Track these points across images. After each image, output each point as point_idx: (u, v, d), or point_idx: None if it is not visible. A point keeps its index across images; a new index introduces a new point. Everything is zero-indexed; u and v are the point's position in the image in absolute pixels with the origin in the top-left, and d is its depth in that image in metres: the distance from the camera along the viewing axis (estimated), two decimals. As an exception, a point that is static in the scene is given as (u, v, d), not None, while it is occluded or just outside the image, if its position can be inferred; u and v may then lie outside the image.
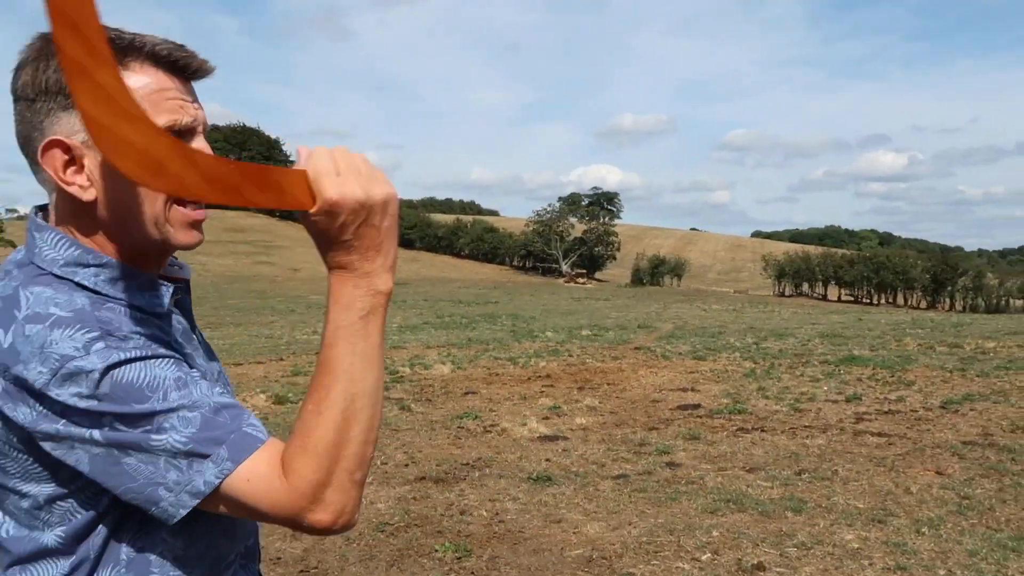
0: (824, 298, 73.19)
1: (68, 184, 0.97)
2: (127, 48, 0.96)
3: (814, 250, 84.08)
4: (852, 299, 73.38)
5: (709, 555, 4.52)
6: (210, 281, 53.07)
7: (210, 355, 1.18)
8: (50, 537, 0.98)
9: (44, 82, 0.95)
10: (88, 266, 0.99)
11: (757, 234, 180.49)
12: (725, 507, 5.35)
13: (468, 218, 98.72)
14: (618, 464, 6.47)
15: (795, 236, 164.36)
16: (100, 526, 0.99)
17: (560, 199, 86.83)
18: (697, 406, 8.96)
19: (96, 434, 0.90)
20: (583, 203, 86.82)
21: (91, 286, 0.98)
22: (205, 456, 0.91)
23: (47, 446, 0.92)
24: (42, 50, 0.95)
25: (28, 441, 0.93)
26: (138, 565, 1.01)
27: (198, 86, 1.05)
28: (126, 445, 0.91)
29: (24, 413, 0.91)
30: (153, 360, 0.93)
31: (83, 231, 1.01)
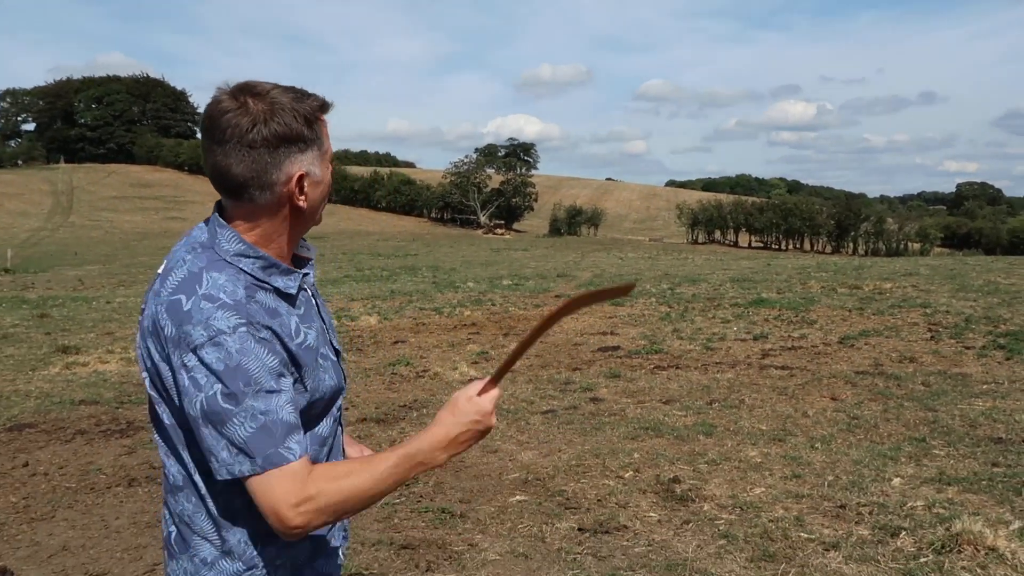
0: (735, 245, 75.40)
1: (299, 199, 1.43)
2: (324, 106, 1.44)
3: (726, 198, 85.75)
4: (762, 245, 75.80)
5: (631, 473, 5.04)
6: (118, 238, 51.51)
7: (324, 313, 1.61)
8: None
9: (285, 134, 1.38)
10: (249, 257, 1.42)
11: (671, 183, 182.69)
12: (644, 434, 5.89)
13: (385, 170, 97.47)
14: (546, 401, 6.96)
15: (708, 185, 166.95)
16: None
17: (477, 150, 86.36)
18: (617, 348, 9.52)
19: (202, 399, 1.31)
20: (500, 154, 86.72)
21: (249, 271, 1.41)
22: (251, 456, 1.31)
23: (163, 375, 1.38)
24: (268, 111, 1.37)
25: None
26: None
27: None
28: (212, 420, 1.31)
29: (159, 349, 1.37)
30: (267, 354, 1.34)
31: (260, 232, 1.44)
